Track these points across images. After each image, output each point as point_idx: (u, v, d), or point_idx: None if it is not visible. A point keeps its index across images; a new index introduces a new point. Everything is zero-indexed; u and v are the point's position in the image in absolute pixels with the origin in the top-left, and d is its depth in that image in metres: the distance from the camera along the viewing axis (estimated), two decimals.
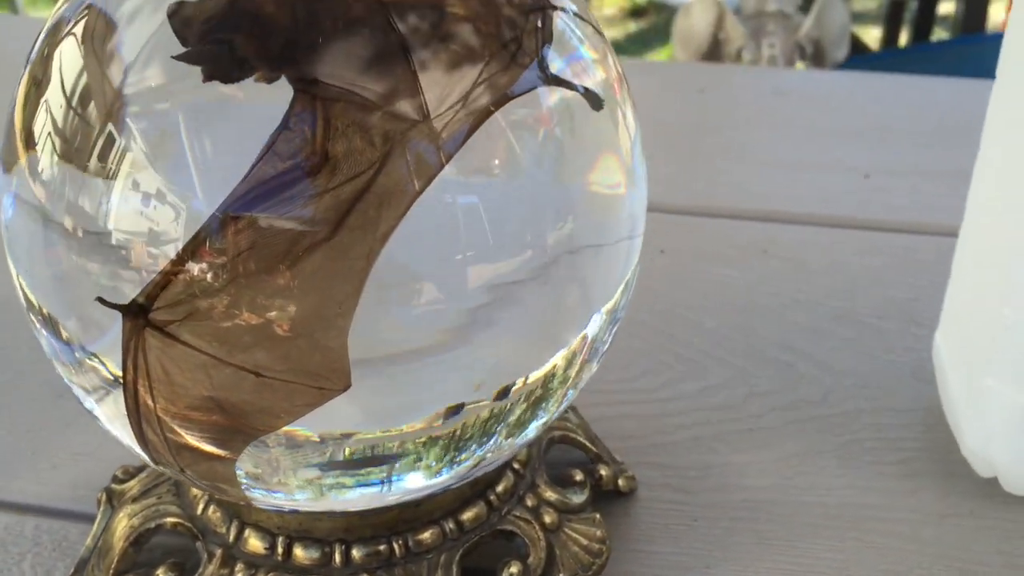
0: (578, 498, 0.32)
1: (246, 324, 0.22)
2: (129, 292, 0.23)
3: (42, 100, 0.24)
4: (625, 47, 3.11)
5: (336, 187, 0.22)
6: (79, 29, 0.24)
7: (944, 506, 0.36)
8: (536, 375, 0.26)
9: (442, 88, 0.22)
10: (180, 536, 0.31)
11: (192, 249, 0.22)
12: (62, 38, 0.24)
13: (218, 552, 0.30)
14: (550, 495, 0.32)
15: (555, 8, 0.25)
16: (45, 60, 0.25)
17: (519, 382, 0.26)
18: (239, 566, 0.29)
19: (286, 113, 0.22)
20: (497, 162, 0.24)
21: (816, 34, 1.36)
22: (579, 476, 0.33)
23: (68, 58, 0.24)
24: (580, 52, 0.25)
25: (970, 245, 0.36)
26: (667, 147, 0.63)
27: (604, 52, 0.27)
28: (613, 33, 3.23)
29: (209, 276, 0.22)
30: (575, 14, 0.26)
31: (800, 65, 1.36)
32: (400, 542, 0.30)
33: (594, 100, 0.25)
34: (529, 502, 0.31)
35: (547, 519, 0.31)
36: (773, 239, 0.52)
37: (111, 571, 0.30)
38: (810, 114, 0.68)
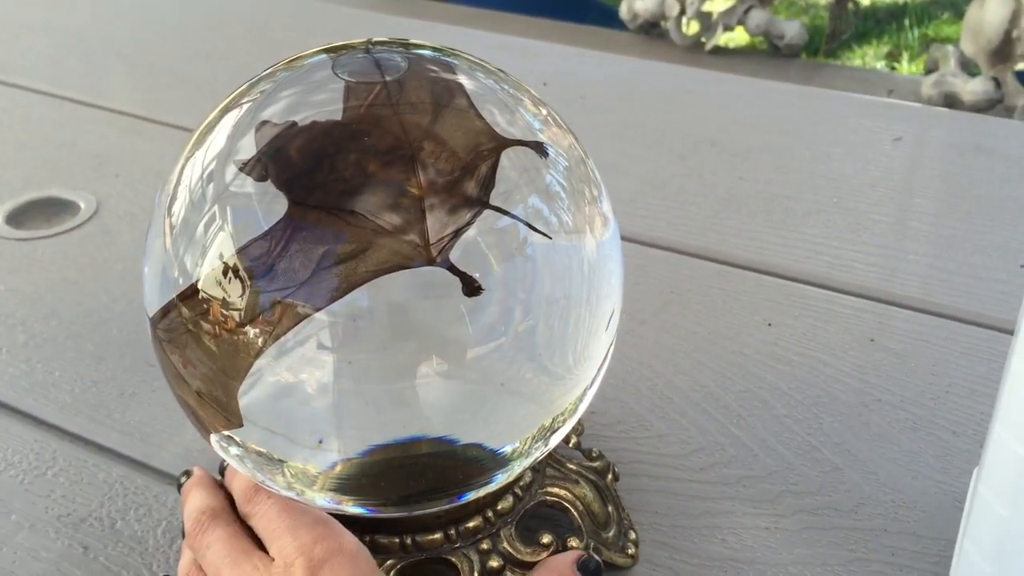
0: (530, 557, 0.37)
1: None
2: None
3: (193, 156, 0.32)
4: None
5: (269, 292, 0.29)
6: (244, 109, 0.32)
7: None
8: None
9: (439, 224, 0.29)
10: None
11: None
12: (231, 107, 0.33)
13: None
14: (506, 546, 0.37)
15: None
16: (211, 125, 0.33)
17: None
18: None
19: (270, 228, 0.29)
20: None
21: None
22: (546, 539, 0.38)
23: (221, 133, 0.32)
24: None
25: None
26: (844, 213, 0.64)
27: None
28: None
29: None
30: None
31: None
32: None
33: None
34: (484, 545, 0.37)
35: (492, 564, 0.37)
36: (885, 325, 0.53)
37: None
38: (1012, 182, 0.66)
